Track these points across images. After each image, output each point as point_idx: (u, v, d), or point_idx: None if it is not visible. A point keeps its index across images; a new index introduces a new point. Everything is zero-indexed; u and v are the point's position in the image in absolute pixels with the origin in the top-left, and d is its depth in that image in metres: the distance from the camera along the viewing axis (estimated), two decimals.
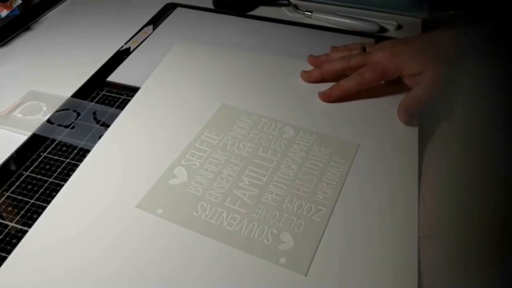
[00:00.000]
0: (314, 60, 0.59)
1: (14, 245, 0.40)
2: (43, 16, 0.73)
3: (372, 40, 0.65)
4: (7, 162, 0.48)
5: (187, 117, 0.52)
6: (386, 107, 0.53)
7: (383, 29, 0.69)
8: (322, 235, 0.41)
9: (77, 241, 0.40)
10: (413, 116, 0.51)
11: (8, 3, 0.68)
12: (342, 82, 0.54)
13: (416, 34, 0.57)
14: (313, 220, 0.42)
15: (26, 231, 0.41)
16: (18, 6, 0.70)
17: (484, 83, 0.40)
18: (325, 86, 0.55)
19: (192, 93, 0.55)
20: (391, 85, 0.55)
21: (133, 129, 0.50)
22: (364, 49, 0.57)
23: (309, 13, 0.72)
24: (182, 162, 0.47)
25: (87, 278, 0.37)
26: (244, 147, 0.48)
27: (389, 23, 0.70)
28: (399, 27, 0.70)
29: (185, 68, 0.59)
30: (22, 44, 0.66)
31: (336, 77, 0.55)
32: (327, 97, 0.54)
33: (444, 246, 0.38)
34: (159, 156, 0.47)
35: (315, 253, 0.39)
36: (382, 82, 0.55)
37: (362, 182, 0.45)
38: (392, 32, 0.69)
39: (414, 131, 0.50)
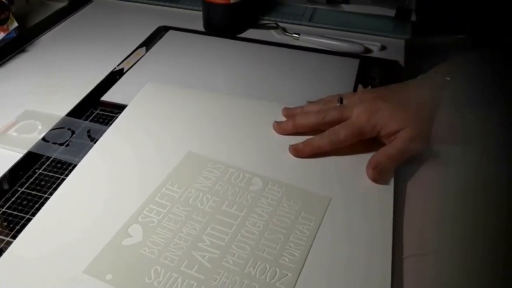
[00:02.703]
0: (288, 112, 0.55)
1: None
2: (38, 38, 0.74)
3: (350, 90, 0.61)
4: (2, 179, 0.49)
5: (150, 167, 0.49)
6: (361, 158, 0.50)
7: (367, 50, 0.72)
8: None
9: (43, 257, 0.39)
10: (382, 174, 0.48)
11: (5, 26, 0.70)
12: (315, 140, 0.51)
13: (395, 86, 0.54)
14: None
15: None
16: (14, 29, 0.71)
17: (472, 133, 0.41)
18: (299, 137, 0.52)
19: (158, 140, 0.52)
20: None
21: (89, 182, 0.47)
22: (341, 100, 0.53)
23: (297, 35, 0.74)
24: (139, 219, 0.43)
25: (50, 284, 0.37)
26: (208, 201, 0.45)
27: (374, 44, 0.72)
28: (383, 48, 0.73)
29: (154, 111, 0.56)
30: (17, 65, 0.68)
31: (310, 131, 0.53)
32: (298, 153, 0.51)
33: (444, 262, 0.37)
34: (115, 211, 0.44)
35: None
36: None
37: (332, 242, 0.42)
38: (376, 52, 0.72)
39: (389, 185, 0.47)
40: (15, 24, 0.71)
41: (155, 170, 0.48)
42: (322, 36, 0.74)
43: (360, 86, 0.63)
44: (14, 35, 0.72)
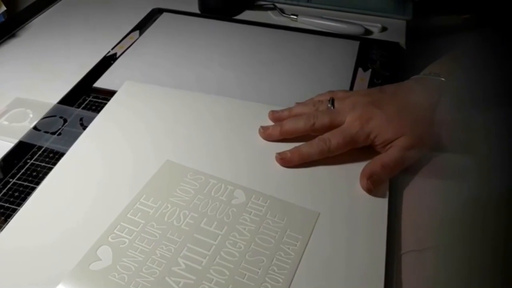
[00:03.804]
0: (275, 116, 0.52)
1: None
2: (28, 23, 0.72)
3: (346, 86, 0.59)
4: None
5: (124, 178, 0.45)
6: (353, 167, 0.47)
7: (368, 32, 0.70)
8: None
9: (36, 249, 0.39)
10: (376, 184, 0.45)
11: None
12: (304, 148, 0.47)
13: (389, 89, 0.51)
14: None
15: None
16: (3, 13, 0.69)
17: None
18: (286, 145, 0.49)
19: (134, 146, 0.49)
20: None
21: (56, 195, 0.44)
22: (332, 102, 0.50)
23: (295, 17, 0.72)
24: (109, 239, 0.40)
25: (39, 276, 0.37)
26: (185, 218, 0.41)
27: (374, 25, 0.70)
28: (384, 29, 0.71)
29: (130, 114, 0.52)
30: (7, 51, 0.66)
31: (298, 137, 0.49)
32: (285, 163, 0.47)
33: (443, 258, 0.37)
34: (83, 230, 0.41)
35: None
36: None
37: (320, 265, 0.38)
38: (376, 34, 0.70)
39: (384, 196, 0.44)
40: (3, 8, 0.69)
41: (130, 182, 0.45)
42: (321, 17, 0.72)
43: (360, 69, 0.62)
44: (2, 19, 0.70)
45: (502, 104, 0.43)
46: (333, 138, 0.47)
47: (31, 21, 0.73)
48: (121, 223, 0.41)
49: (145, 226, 0.41)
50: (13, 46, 0.67)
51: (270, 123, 0.52)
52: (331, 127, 0.48)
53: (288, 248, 0.39)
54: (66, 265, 0.38)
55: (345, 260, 0.39)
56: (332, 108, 0.49)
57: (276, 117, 0.52)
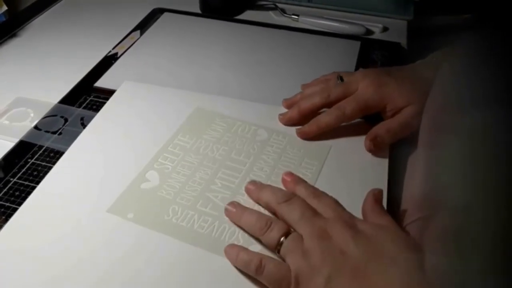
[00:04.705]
0: (289, 102, 0.53)
1: None
2: (29, 23, 0.72)
3: (352, 67, 0.62)
4: None
5: (160, 123, 0.51)
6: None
7: (369, 32, 0.70)
8: None
9: (46, 246, 0.40)
10: (379, 146, 0.48)
11: None
12: (321, 118, 0.50)
13: (396, 67, 0.53)
14: None
15: None
16: (4, 12, 0.69)
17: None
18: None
19: (133, 144, 0.50)
20: None
21: (105, 135, 0.50)
22: (340, 78, 0.52)
23: (296, 17, 0.72)
24: (155, 166, 0.46)
25: (58, 279, 0.38)
26: (218, 150, 0.48)
27: (375, 25, 0.70)
28: (385, 29, 0.71)
29: (128, 113, 0.54)
30: (8, 50, 0.66)
31: (316, 114, 0.51)
32: (305, 135, 0.50)
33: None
34: (132, 161, 0.47)
35: None
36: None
37: (333, 183, 0.45)
38: (378, 34, 0.70)
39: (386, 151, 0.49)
40: (4, 8, 0.69)
41: (166, 126, 0.51)
42: (322, 18, 0.72)
43: (360, 69, 0.62)
44: (3, 19, 0.70)
45: (502, 103, 0.43)
46: (348, 105, 0.49)
47: (32, 21, 0.73)
48: (164, 154, 0.48)
49: (184, 156, 0.48)
50: (14, 45, 0.67)
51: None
52: (345, 96, 0.50)
53: (306, 171, 0.47)
54: (65, 264, 0.39)
55: (356, 180, 0.46)
56: (341, 82, 0.51)
57: (289, 103, 0.53)
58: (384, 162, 0.48)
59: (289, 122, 0.52)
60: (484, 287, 0.28)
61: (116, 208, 0.42)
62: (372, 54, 0.65)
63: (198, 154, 0.48)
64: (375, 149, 0.48)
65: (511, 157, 0.31)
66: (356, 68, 0.62)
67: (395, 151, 0.49)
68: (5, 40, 0.68)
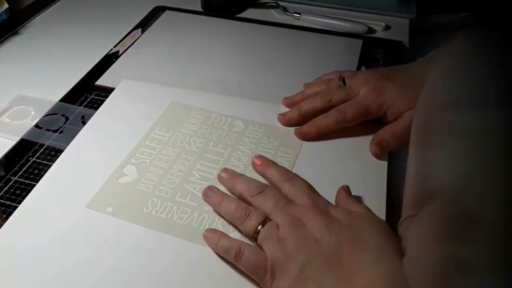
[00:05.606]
0: (289, 101, 0.53)
1: None
2: (30, 21, 0.72)
3: (353, 67, 0.61)
4: None
5: (139, 119, 0.52)
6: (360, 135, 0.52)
7: (371, 30, 0.69)
8: None
9: (33, 248, 0.40)
10: (385, 151, 0.48)
11: None
12: (321, 119, 0.50)
13: (397, 67, 0.53)
14: None
15: None
16: (5, 10, 0.69)
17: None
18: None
19: (132, 142, 0.50)
20: None
21: (102, 133, 0.50)
22: (343, 80, 0.52)
23: (298, 15, 0.72)
24: (132, 160, 0.47)
25: (38, 275, 0.38)
26: (195, 143, 0.49)
27: (377, 24, 0.70)
28: (387, 27, 0.70)
29: (127, 110, 0.54)
30: (9, 48, 0.66)
31: (317, 116, 0.51)
32: (304, 136, 0.50)
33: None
34: (109, 156, 0.47)
35: None
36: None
37: (308, 171, 0.46)
38: (380, 32, 0.70)
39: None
40: (5, 6, 0.69)
41: (142, 120, 0.51)
42: (324, 16, 0.71)
43: (362, 68, 0.61)
44: (5, 17, 0.69)
45: (502, 103, 0.42)
46: (348, 109, 0.49)
47: (33, 19, 0.73)
48: (141, 149, 0.48)
49: (161, 149, 0.48)
50: (15, 43, 0.67)
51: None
52: (346, 101, 0.50)
53: (282, 159, 0.47)
54: (65, 263, 0.39)
55: (331, 166, 0.47)
56: (343, 85, 0.51)
57: (290, 102, 0.53)
58: (383, 164, 0.47)
59: (289, 123, 0.51)
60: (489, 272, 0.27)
61: (95, 203, 0.43)
62: (374, 52, 0.65)
63: (176, 147, 0.48)
64: (381, 154, 0.48)
65: (510, 157, 0.31)
66: (358, 67, 0.62)
67: (395, 151, 0.49)
68: (6, 38, 0.68)
